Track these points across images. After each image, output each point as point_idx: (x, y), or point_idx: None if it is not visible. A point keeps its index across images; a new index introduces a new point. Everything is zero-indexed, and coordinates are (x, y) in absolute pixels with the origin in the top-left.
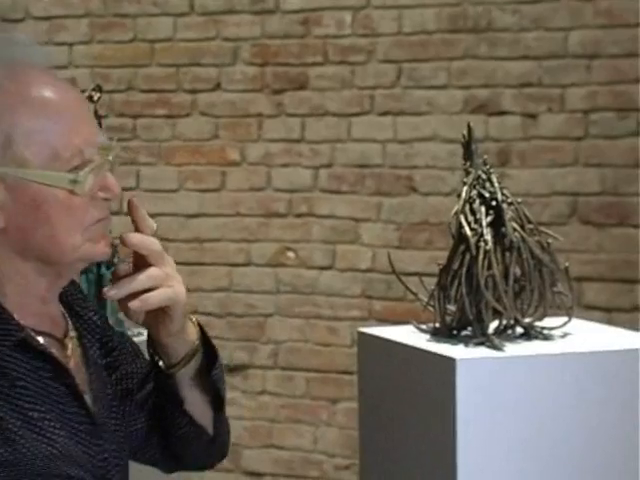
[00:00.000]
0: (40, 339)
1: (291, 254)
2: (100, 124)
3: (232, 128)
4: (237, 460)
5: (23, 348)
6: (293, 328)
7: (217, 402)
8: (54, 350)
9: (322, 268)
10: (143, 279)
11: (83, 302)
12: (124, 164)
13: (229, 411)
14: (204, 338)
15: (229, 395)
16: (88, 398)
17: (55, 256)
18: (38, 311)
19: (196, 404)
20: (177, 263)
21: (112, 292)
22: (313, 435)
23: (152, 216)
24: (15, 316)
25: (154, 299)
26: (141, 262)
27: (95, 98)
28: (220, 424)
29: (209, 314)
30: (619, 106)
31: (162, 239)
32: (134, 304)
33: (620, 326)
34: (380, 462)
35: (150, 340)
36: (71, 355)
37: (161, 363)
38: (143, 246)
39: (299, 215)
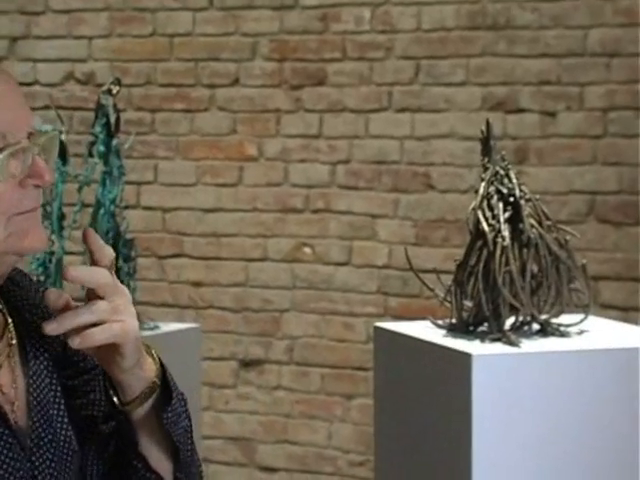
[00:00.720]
0: None
1: (307, 250)
2: (119, 119)
3: (250, 123)
4: (251, 455)
5: None
6: (309, 324)
7: (177, 455)
8: None
9: (338, 264)
10: (85, 314)
11: (35, 309)
12: (142, 158)
13: (244, 406)
14: (164, 377)
15: (244, 390)
16: (20, 410)
17: None
18: None
19: (152, 449)
20: (194, 257)
21: (50, 327)
22: (327, 431)
23: (169, 210)
24: None
25: (97, 336)
26: (93, 293)
27: (114, 91)
28: (183, 476)
29: (225, 309)
30: (638, 105)
31: (179, 233)
32: (74, 341)
33: (636, 325)
34: (395, 458)
35: (105, 373)
36: (3, 362)
37: (115, 399)
38: (86, 280)
39: (316, 211)
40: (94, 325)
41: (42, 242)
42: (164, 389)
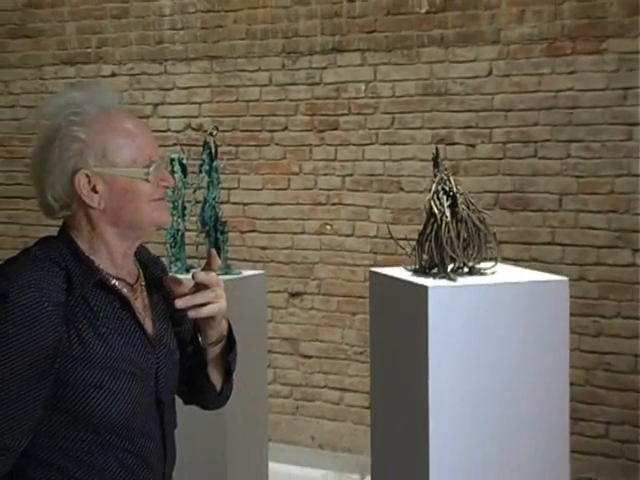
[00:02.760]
0: (116, 282)
1: (328, 227)
2: (217, 150)
3: (294, 153)
4: (297, 348)
5: (101, 286)
6: (329, 270)
7: (227, 374)
8: (125, 290)
9: (347, 235)
10: (199, 298)
11: (154, 264)
12: (231, 174)
13: (291, 319)
14: (230, 333)
15: (292, 310)
16: (149, 325)
17: (137, 223)
18: (120, 264)
19: (213, 370)
20: (262, 232)
21: (180, 303)
22: (341, 334)
23: (247, 204)
24: (102, 266)
25: (204, 312)
26: (202, 284)
27: (214, 134)
28: (226, 387)
29: (280, 262)
30: (524, 140)
31: (253, 218)
32: (191, 313)
33: (524, 269)
34: (383, 349)
35: (196, 324)
36: (138, 296)
37: (200, 339)
38: (205, 280)
39: (334, 204)
40: (203, 304)
41: (168, 219)
42: (229, 339)
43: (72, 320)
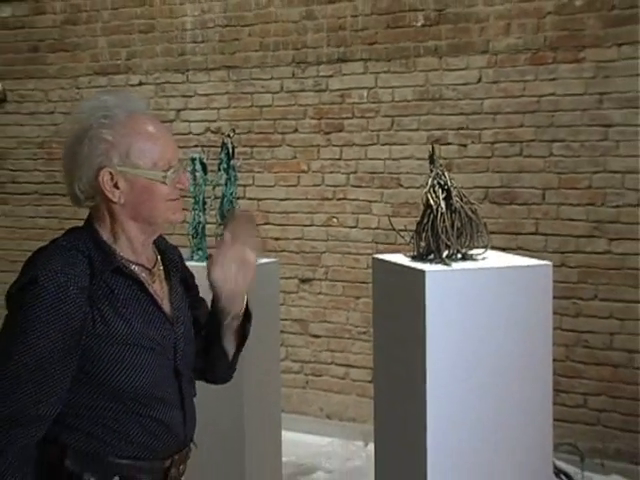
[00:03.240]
0: (135, 267)
1: (335, 220)
2: (234, 151)
3: (303, 152)
4: (306, 328)
5: (121, 272)
6: (335, 259)
7: (240, 346)
8: (143, 274)
9: (351, 227)
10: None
11: (172, 250)
12: (246, 172)
13: (301, 303)
14: (247, 310)
15: (302, 294)
16: (167, 304)
17: (153, 219)
18: (139, 251)
19: (227, 342)
20: (275, 225)
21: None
22: (346, 316)
23: (261, 199)
24: (123, 254)
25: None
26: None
27: (231, 136)
28: (236, 359)
29: (291, 251)
30: (510, 140)
31: (266, 212)
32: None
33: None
34: (384, 328)
35: (216, 299)
36: (156, 279)
37: (222, 313)
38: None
39: (339, 199)
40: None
41: (180, 216)
42: (245, 314)
43: (95, 302)
